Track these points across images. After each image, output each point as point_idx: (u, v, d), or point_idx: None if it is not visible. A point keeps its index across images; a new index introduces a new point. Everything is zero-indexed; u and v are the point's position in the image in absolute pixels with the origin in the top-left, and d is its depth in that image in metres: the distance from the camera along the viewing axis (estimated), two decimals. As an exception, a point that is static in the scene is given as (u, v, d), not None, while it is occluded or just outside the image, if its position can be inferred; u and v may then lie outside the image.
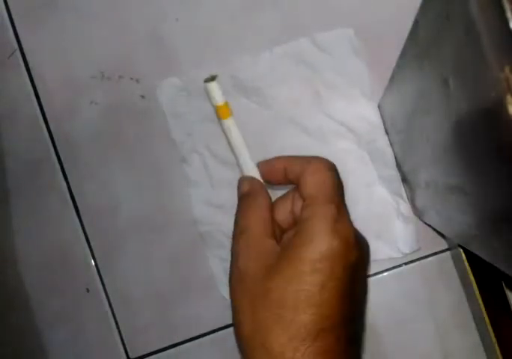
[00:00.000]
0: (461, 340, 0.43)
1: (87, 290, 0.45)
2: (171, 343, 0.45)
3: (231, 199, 0.44)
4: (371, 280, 0.44)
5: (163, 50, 0.45)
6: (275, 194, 0.35)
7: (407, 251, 0.43)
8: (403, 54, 0.31)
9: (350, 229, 0.31)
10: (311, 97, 0.44)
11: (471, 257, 0.37)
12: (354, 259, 0.30)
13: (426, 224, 0.42)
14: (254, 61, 0.44)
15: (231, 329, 0.44)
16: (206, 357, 0.45)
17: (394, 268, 0.44)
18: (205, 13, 0.45)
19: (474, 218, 0.27)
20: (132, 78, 0.45)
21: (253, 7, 0.44)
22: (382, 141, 0.43)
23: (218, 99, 0.33)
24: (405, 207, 0.43)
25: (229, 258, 0.44)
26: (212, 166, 0.44)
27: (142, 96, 0.45)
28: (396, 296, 0.44)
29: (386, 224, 0.43)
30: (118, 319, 0.45)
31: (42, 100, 0.45)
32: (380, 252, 0.43)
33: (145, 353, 0.45)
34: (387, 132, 0.43)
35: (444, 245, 0.43)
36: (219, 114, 0.34)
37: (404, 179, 0.43)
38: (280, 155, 0.35)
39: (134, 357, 0.45)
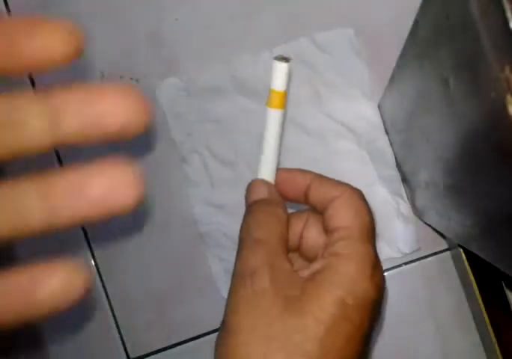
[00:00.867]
0: (461, 340, 0.43)
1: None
2: (171, 343, 0.45)
3: (231, 199, 0.44)
4: (371, 280, 0.44)
5: (163, 50, 0.45)
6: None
7: (407, 251, 0.43)
8: (403, 54, 0.31)
9: (383, 276, 0.29)
10: (310, 97, 0.44)
11: (471, 257, 0.37)
12: (380, 310, 0.28)
13: (426, 223, 0.42)
14: (254, 61, 0.44)
15: (231, 329, 0.44)
16: (206, 357, 0.45)
17: (394, 268, 0.44)
18: (205, 13, 0.45)
19: (474, 218, 0.27)
20: (132, 78, 0.45)
21: (253, 7, 0.44)
22: (382, 141, 0.43)
23: (281, 84, 0.29)
24: (405, 207, 0.43)
25: (229, 258, 0.44)
26: (212, 166, 0.44)
27: (142, 96, 0.44)
28: (396, 296, 0.44)
29: (386, 224, 0.43)
30: (118, 319, 0.45)
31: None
32: (380, 252, 0.43)
33: (145, 353, 0.45)
34: (387, 132, 0.43)
35: (444, 245, 0.43)
36: (273, 101, 0.29)
37: (404, 179, 0.43)
38: (305, 169, 0.31)
39: (134, 357, 0.45)
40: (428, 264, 0.43)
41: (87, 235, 0.45)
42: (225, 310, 0.28)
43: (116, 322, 0.45)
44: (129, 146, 0.45)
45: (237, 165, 0.44)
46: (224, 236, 0.44)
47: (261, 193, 0.31)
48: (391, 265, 0.43)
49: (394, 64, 0.34)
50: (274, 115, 0.30)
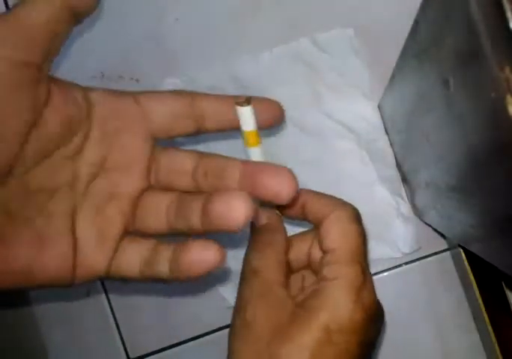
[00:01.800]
0: (461, 340, 0.43)
1: (88, 291, 0.45)
2: (171, 343, 0.45)
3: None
4: (371, 280, 0.44)
5: (163, 50, 0.45)
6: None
7: (407, 251, 0.43)
8: (403, 54, 0.31)
9: (374, 298, 0.29)
10: (311, 97, 0.44)
11: (471, 257, 0.37)
12: (373, 336, 0.28)
13: (426, 223, 0.42)
14: (254, 61, 0.44)
15: (231, 329, 0.44)
16: (206, 357, 0.45)
17: (394, 268, 0.44)
18: (205, 13, 0.45)
19: (475, 217, 0.27)
20: (132, 78, 0.45)
21: (253, 7, 0.44)
22: (382, 141, 0.43)
23: (250, 124, 0.29)
24: (405, 207, 0.43)
25: (229, 257, 0.44)
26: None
27: (142, 96, 0.44)
28: (396, 296, 0.44)
29: (386, 224, 0.43)
30: (118, 319, 0.45)
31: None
32: (380, 252, 0.43)
33: (145, 353, 0.45)
34: (387, 132, 0.43)
35: (444, 245, 0.43)
36: (249, 140, 0.30)
37: (404, 179, 0.43)
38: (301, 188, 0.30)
39: (134, 357, 0.45)
40: (428, 264, 0.43)
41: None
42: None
43: (116, 322, 0.45)
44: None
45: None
46: (225, 236, 0.44)
47: (261, 220, 0.31)
48: (391, 265, 0.43)
49: (394, 64, 0.34)
50: (254, 152, 0.30)
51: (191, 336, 0.44)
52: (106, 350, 0.45)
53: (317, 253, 0.30)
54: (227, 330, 0.44)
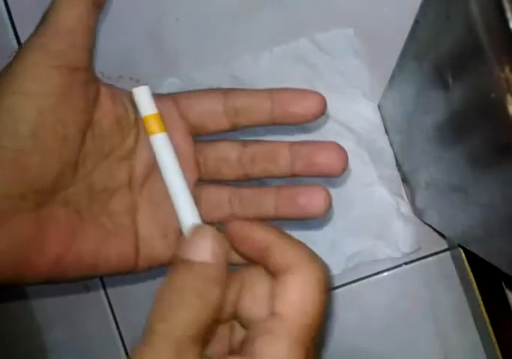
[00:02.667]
0: (461, 340, 0.43)
1: (88, 290, 0.45)
2: (171, 343, 0.44)
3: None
4: (371, 280, 0.44)
5: (163, 50, 0.45)
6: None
7: (407, 251, 0.43)
8: (403, 54, 0.31)
9: None
10: (311, 97, 0.44)
11: (471, 257, 0.37)
12: None
13: (426, 223, 0.42)
14: (254, 61, 0.44)
15: (231, 329, 0.44)
16: (206, 357, 0.45)
17: (394, 268, 0.44)
18: (205, 13, 0.45)
19: (475, 217, 0.27)
20: (132, 78, 0.44)
21: (253, 7, 0.44)
22: (382, 141, 0.43)
23: (150, 107, 0.28)
24: (405, 207, 0.43)
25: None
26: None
27: (142, 96, 0.44)
28: (396, 296, 0.44)
29: (386, 224, 0.43)
30: (118, 319, 0.45)
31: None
32: (380, 252, 0.43)
33: (145, 353, 0.45)
34: (387, 132, 0.43)
35: (444, 245, 0.43)
36: (151, 126, 0.28)
37: (404, 179, 0.43)
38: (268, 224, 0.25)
39: (134, 357, 0.45)
40: (428, 264, 0.43)
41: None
42: None
43: (116, 322, 0.45)
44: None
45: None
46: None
47: (202, 252, 0.23)
48: (391, 265, 0.43)
49: (394, 64, 0.34)
50: (161, 139, 0.28)
51: (191, 336, 0.44)
52: (106, 350, 0.45)
53: (244, 306, 0.24)
54: (227, 330, 0.44)
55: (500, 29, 0.17)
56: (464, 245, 0.36)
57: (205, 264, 0.23)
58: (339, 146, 0.29)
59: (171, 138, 0.29)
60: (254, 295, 0.24)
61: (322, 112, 0.29)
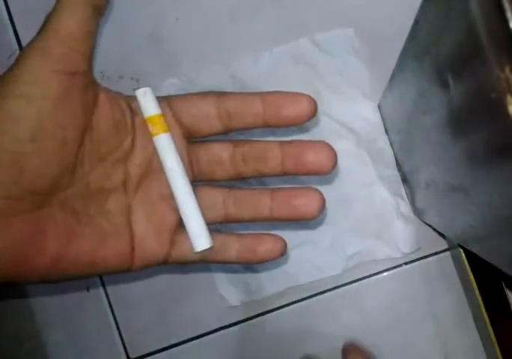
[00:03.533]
0: (461, 340, 0.43)
1: (88, 290, 0.45)
2: (171, 343, 0.45)
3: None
4: (371, 280, 0.44)
5: (163, 50, 0.45)
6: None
7: (407, 251, 0.43)
8: (403, 54, 0.31)
9: None
10: (311, 97, 0.44)
11: (471, 257, 0.37)
12: None
13: (426, 223, 0.42)
14: (254, 61, 0.44)
15: (231, 329, 0.44)
16: (206, 357, 0.45)
17: (394, 268, 0.44)
18: (205, 13, 0.45)
19: (475, 218, 0.27)
20: (132, 78, 0.45)
21: (253, 7, 0.44)
22: (382, 141, 0.43)
23: (152, 107, 0.29)
24: (405, 207, 0.43)
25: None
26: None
27: (142, 96, 0.44)
28: (396, 296, 0.44)
29: (386, 224, 0.43)
30: (118, 319, 0.45)
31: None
32: (380, 252, 0.43)
33: (145, 353, 0.45)
34: (387, 132, 0.43)
35: (444, 245, 0.43)
36: (155, 127, 0.29)
37: (404, 179, 0.43)
38: None
39: (134, 357, 0.45)
40: (428, 264, 0.43)
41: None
42: None
43: (116, 322, 0.45)
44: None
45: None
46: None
47: None
48: (391, 265, 0.44)
49: (394, 64, 0.34)
50: (165, 139, 0.29)
51: (191, 336, 0.44)
52: (106, 350, 0.45)
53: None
54: (227, 330, 0.44)
55: (500, 29, 0.17)
56: (464, 245, 0.36)
57: None
58: (328, 145, 0.30)
59: None
60: None
61: (312, 114, 0.30)
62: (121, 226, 0.29)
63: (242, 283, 0.43)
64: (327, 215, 0.43)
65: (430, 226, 0.42)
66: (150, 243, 0.29)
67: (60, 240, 0.26)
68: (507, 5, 0.17)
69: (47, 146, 0.25)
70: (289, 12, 0.44)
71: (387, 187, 0.43)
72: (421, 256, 0.43)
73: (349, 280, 0.44)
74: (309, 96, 0.30)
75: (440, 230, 0.41)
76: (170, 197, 0.30)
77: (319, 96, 0.44)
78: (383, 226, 0.43)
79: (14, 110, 0.24)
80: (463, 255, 0.37)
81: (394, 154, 0.43)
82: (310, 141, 0.30)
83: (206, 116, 0.30)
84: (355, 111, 0.43)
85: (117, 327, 0.45)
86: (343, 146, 0.43)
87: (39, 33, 0.26)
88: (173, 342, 0.45)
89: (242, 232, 0.32)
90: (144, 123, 0.29)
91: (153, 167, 0.30)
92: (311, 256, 0.43)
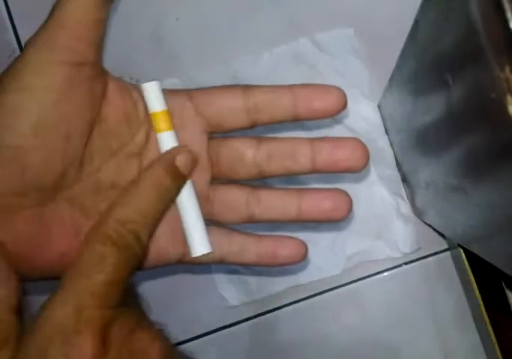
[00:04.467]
0: (461, 340, 0.43)
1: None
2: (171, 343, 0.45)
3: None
4: (371, 280, 0.44)
5: (163, 50, 0.45)
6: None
7: (407, 251, 0.43)
8: (403, 54, 0.31)
9: None
10: (311, 97, 0.44)
11: (471, 257, 0.37)
12: None
13: (426, 223, 0.42)
14: (254, 61, 0.44)
15: (231, 329, 0.44)
16: (206, 357, 0.45)
17: (394, 268, 0.44)
18: (205, 13, 0.45)
19: (475, 218, 0.27)
20: (132, 78, 0.44)
21: (253, 7, 0.44)
22: (382, 141, 0.43)
23: (158, 103, 0.27)
24: (405, 207, 0.43)
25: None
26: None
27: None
28: (396, 296, 0.44)
29: (386, 224, 0.43)
30: (118, 319, 0.45)
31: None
32: (380, 252, 0.43)
33: (145, 353, 0.45)
34: (387, 132, 0.43)
35: (444, 245, 0.43)
36: (160, 123, 0.27)
37: (404, 179, 0.43)
38: None
39: (134, 357, 0.45)
40: (428, 264, 0.43)
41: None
42: None
43: (116, 322, 0.45)
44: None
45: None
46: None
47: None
48: (391, 265, 0.44)
49: (394, 64, 0.34)
50: (168, 137, 0.28)
51: (190, 336, 0.44)
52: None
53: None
54: (227, 330, 0.44)
55: (500, 29, 0.17)
56: (464, 245, 0.36)
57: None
58: (361, 142, 0.28)
59: (185, 136, 0.28)
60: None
61: (343, 107, 0.28)
62: None
63: (242, 283, 0.43)
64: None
65: (430, 226, 0.42)
66: (164, 242, 0.28)
67: (66, 237, 0.26)
68: (507, 5, 0.17)
69: (50, 140, 0.24)
70: (289, 12, 0.44)
71: (387, 187, 0.43)
72: (421, 256, 0.43)
73: (349, 280, 0.44)
74: (339, 88, 0.28)
75: (440, 230, 0.41)
76: None
77: (319, 96, 0.44)
78: (383, 226, 0.43)
79: (16, 103, 0.24)
80: (463, 255, 0.38)
81: (394, 154, 0.43)
82: (342, 138, 0.29)
83: (232, 109, 0.28)
84: (355, 111, 0.43)
85: (117, 327, 0.45)
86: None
87: (45, 22, 0.25)
88: (173, 342, 0.44)
89: (244, 231, 0.31)
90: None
91: None
92: (311, 256, 0.43)
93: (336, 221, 0.29)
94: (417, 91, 0.30)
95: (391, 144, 0.43)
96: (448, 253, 0.43)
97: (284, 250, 0.29)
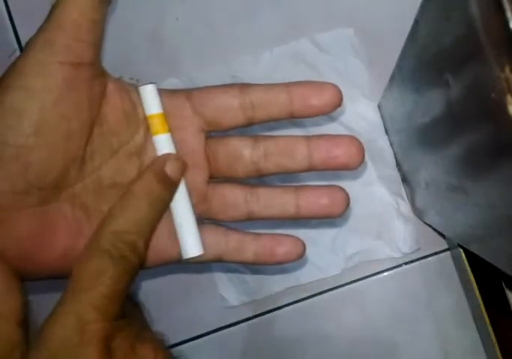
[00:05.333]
0: (461, 340, 0.43)
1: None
2: (171, 343, 0.45)
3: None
4: (371, 280, 0.44)
5: (163, 50, 0.45)
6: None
7: (407, 251, 0.43)
8: (403, 54, 0.31)
9: None
10: (311, 97, 0.44)
11: (471, 257, 0.37)
12: None
13: (426, 223, 0.42)
14: (254, 61, 0.44)
15: (231, 329, 0.44)
16: (206, 357, 0.45)
17: (394, 268, 0.44)
18: (205, 13, 0.45)
19: (475, 217, 0.27)
20: (132, 78, 0.44)
21: (253, 7, 0.44)
22: (382, 141, 0.43)
23: (154, 106, 0.28)
24: (405, 207, 0.43)
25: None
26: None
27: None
28: (396, 296, 0.44)
29: (386, 224, 0.43)
30: (118, 319, 0.45)
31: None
32: (380, 252, 0.43)
33: (145, 353, 0.45)
34: (387, 132, 0.43)
35: (444, 245, 0.43)
36: (155, 126, 0.28)
37: (404, 179, 0.43)
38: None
39: (134, 357, 0.45)
40: (428, 264, 0.43)
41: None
42: None
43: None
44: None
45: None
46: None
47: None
48: (391, 265, 0.44)
49: (394, 64, 0.34)
50: (164, 140, 0.28)
51: (191, 336, 0.44)
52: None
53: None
54: (227, 330, 0.44)
55: (500, 29, 0.17)
56: (464, 245, 0.36)
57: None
58: (357, 139, 0.29)
59: (183, 135, 0.29)
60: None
61: (339, 104, 0.29)
62: None
63: (242, 283, 0.43)
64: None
65: (430, 226, 0.42)
66: (162, 243, 0.29)
67: (69, 236, 0.26)
68: (507, 5, 0.17)
69: (51, 139, 0.25)
70: (289, 12, 0.44)
71: (387, 187, 0.43)
72: (421, 256, 0.43)
73: (349, 280, 0.44)
74: (334, 85, 0.29)
75: (440, 230, 0.41)
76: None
77: (319, 96, 0.44)
78: (383, 226, 0.43)
79: (17, 103, 0.24)
80: (463, 255, 0.38)
81: (394, 154, 0.43)
82: (338, 135, 0.29)
83: (229, 108, 0.29)
84: (355, 111, 0.43)
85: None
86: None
87: (43, 24, 0.25)
88: (173, 342, 0.45)
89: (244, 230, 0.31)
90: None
91: None
92: (311, 256, 0.43)
93: (334, 216, 0.30)
94: (417, 91, 0.30)
95: (391, 144, 0.43)
96: (448, 253, 0.43)
97: (282, 248, 0.30)
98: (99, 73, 0.27)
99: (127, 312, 0.26)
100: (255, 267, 0.43)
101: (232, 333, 0.44)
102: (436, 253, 0.43)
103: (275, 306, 0.44)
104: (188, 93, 0.29)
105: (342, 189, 0.30)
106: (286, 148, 0.29)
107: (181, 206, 0.28)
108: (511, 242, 0.22)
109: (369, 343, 0.43)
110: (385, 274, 0.44)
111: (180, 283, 0.44)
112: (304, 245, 0.30)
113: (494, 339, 0.36)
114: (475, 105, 0.21)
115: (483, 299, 0.37)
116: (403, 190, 0.43)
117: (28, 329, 0.24)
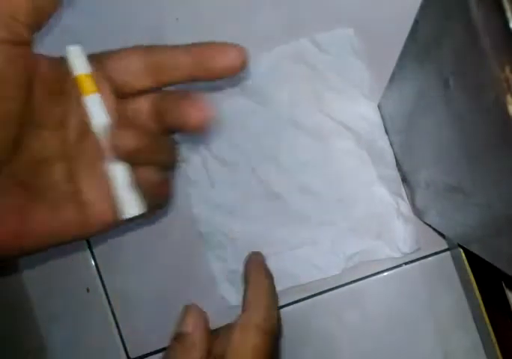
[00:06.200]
0: (461, 340, 0.43)
1: (88, 290, 0.45)
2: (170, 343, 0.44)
3: (231, 199, 0.44)
4: (371, 280, 0.44)
5: (163, 50, 0.45)
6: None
7: (407, 251, 0.43)
8: (403, 54, 0.31)
9: None
10: (310, 97, 0.44)
11: (471, 257, 0.37)
12: None
13: (426, 223, 0.42)
14: (254, 61, 0.44)
15: (231, 329, 0.44)
16: (206, 357, 0.45)
17: (394, 268, 0.44)
18: (205, 13, 0.45)
19: (475, 218, 0.27)
20: (132, 78, 0.45)
21: (253, 7, 0.44)
22: (382, 141, 0.43)
23: (82, 66, 0.27)
24: (405, 207, 0.43)
25: (229, 258, 0.44)
26: (212, 166, 0.44)
27: (142, 96, 0.44)
28: (396, 296, 0.44)
29: (386, 224, 0.43)
30: (118, 319, 0.45)
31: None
32: (380, 252, 0.43)
33: (145, 353, 0.45)
34: (387, 132, 0.43)
35: (444, 245, 0.43)
36: (84, 86, 0.28)
37: (404, 179, 0.43)
38: None
39: (134, 357, 0.45)
40: (428, 264, 0.43)
41: (87, 235, 0.45)
42: None
43: (116, 322, 0.45)
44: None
45: (237, 165, 0.44)
46: (224, 236, 0.44)
47: (186, 325, 0.34)
48: (391, 265, 0.44)
49: (394, 64, 0.34)
50: (93, 100, 0.28)
51: (191, 336, 0.44)
52: (106, 350, 0.45)
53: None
54: (227, 330, 0.44)
55: (500, 29, 0.17)
56: (464, 245, 0.36)
57: (185, 333, 0.34)
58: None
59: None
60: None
61: (243, 66, 0.28)
62: (69, 193, 0.28)
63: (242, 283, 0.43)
64: (327, 214, 0.43)
65: (430, 226, 0.42)
66: (101, 206, 0.28)
67: (15, 213, 0.26)
68: (507, 5, 0.17)
69: None
70: (289, 12, 0.44)
71: (387, 187, 0.43)
72: (421, 256, 0.43)
73: (349, 280, 0.44)
74: (239, 46, 0.29)
75: (440, 230, 0.41)
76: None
77: (319, 96, 0.44)
78: (383, 226, 0.43)
79: None
80: (463, 255, 0.37)
81: (394, 154, 0.43)
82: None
83: (135, 71, 0.29)
84: (355, 111, 0.43)
85: (117, 328, 0.45)
86: (343, 146, 0.43)
87: None
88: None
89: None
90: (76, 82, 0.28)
91: (90, 128, 0.29)
92: (311, 256, 0.43)
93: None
94: (417, 91, 0.30)
95: (391, 144, 0.43)
96: (448, 253, 0.43)
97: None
98: (32, 54, 0.26)
99: None
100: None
101: (232, 333, 0.44)
102: (436, 253, 0.43)
103: (275, 306, 0.44)
104: (98, 57, 0.29)
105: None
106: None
107: (117, 168, 0.28)
108: (511, 242, 0.22)
109: (369, 343, 0.43)
110: (385, 274, 0.44)
111: (180, 283, 0.44)
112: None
113: (494, 339, 0.36)
114: (475, 105, 0.21)
115: (483, 299, 0.37)
116: (403, 190, 0.43)
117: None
